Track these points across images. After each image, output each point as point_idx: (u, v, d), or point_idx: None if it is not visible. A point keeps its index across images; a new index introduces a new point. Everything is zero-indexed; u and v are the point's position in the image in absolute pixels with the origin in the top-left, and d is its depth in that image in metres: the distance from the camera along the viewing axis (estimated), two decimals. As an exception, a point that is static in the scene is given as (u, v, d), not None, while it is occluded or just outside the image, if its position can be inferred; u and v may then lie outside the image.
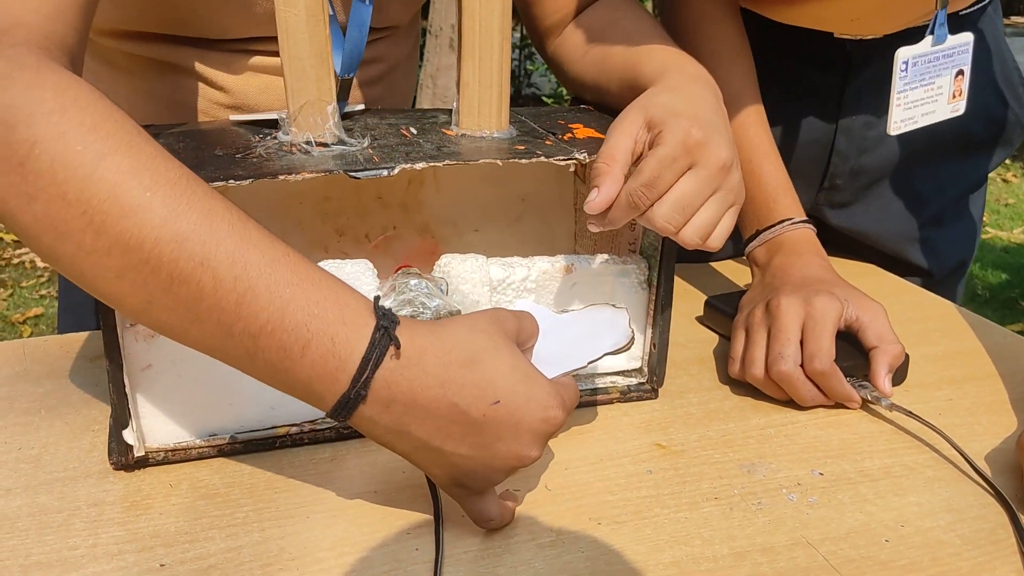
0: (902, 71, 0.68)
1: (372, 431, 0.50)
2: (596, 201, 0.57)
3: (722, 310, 0.82)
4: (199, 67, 0.77)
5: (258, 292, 0.46)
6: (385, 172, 0.60)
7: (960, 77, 0.71)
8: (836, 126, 0.91)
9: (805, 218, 0.79)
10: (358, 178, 0.60)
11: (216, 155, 0.62)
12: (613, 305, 0.64)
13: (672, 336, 0.81)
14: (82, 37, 0.54)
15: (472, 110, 0.69)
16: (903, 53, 0.68)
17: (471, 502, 0.53)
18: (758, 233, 0.80)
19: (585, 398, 0.69)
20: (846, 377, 0.69)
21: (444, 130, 0.69)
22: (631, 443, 0.64)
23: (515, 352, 0.51)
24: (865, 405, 0.69)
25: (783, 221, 0.79)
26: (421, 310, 0.63)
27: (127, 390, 0.58)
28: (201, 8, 0.73)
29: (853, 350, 0.70)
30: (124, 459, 0.60)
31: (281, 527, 0.55)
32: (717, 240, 0.60)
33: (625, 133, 0.59)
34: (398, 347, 0.48)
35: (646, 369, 0.71)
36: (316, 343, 0.47)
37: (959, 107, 0.73)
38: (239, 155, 0.62)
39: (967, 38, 0.69)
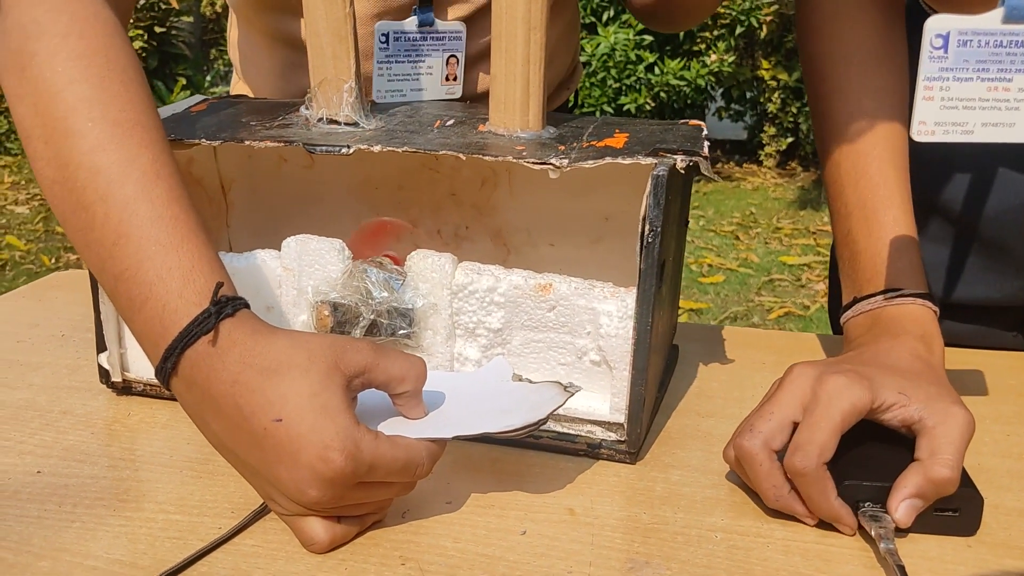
0: (936, 49, 0.44)
1: (185, 409, 0.51)
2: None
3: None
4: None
5: (130, 240, 0.50)
6: (338, 150, 0.59)
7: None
8: None
9: (923, 291, 0.60)
10: (313, 152, 0.59)
11: (241, 122, 0.66)
12: (566, 387, 0.55)
13: (733, 406, 0.67)
14: None
15: (499, 106, 0.64)
16: (936, 23, 0.45)
17: (289, 520, 0.50)
18: (855, 301, 0.62)
19: (552, 442, 0.60)
20: (866, 503, 0.51)
21: (480, 126, 0.65)
22: (543, 499, 0.54)
23: (330, 383, 0.47)
24: (872, 540, 0.51)
25: (889, 291, 0.60)
26: (366, 299, 0.60)
27: (103, 318, 0.64)
28: None
29: (902, 466, 0.52)
30: (106, 381, 0.66)
31: (150, 472, 0.57)
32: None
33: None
34: (207, 333, 0.48)
35: (626, 427, 0.59)
36: (152, 305, 0.49)
37: None
38: (255, 124, 0.65)
39: None
